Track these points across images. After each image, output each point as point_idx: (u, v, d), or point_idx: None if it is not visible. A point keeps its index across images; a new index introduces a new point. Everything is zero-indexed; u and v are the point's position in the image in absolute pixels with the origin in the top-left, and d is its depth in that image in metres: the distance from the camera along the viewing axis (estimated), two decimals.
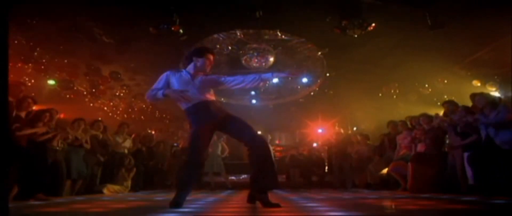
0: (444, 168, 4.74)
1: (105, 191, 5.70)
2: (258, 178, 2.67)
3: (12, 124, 3.96)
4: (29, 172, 3.97)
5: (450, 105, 5.01)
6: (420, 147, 5.09)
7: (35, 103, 4.60)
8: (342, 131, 8.43)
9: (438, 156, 4.91)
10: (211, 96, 2.91)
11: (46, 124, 4.50)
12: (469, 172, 4.07)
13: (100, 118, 7.63)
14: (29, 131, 4.20)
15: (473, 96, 4.49)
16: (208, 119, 2.77)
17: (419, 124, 5.31)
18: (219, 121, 2.82)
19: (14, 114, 4.21)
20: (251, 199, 2.82)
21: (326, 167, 8.64)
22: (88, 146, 5.49)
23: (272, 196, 2.77)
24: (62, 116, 6.86)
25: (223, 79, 3.01)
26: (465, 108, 4.55)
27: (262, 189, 2.64)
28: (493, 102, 4.14)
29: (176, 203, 2.62)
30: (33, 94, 7.03)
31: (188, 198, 2.84)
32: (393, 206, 2.89)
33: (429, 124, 5.16)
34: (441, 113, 5.89)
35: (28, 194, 3.90)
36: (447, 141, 5.37)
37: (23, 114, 4.40)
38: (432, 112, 6.33)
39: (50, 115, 4.84)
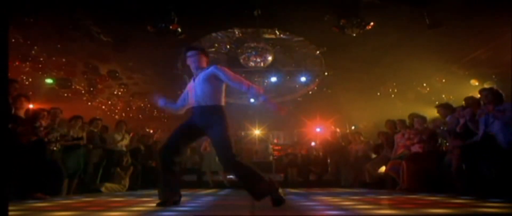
0: (440, 167, 4.76)
1: (103, 189, 5.69)
2: (250, 192, 2.63)
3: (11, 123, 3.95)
4: (28, 171, 3.96)
5: (444, 109, 5.01)
6: (415, 148, 5.11)
7: (28, 101, 4.56)
8: (338, 130, 8.46)
9: (432, 155, 4.93)
10: (210, 101, 2.74)
11: (45, 124, 4.49)
12: (464, 171, 4.10)
13: (97, 116, 7.61)
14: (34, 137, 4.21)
15: (481, 91, 4.45)
16: (191, 121, 2.81)
17: (411, 125, 5.34)
18: (199, 129, 2.78)
19: (12, 112, 4.19)
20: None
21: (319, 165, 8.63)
22: (84, 141, 5.48)
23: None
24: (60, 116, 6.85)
25: (221, 74, 2.78)
26: (464, 108, 4.55)
27: (258, 198, 2.60)
28: (499, 95, 4.10)
29: (162, 202, 2.66)
30: (30, 92, 7.01)
31: (177, 195, 2.80)
32: (389, 205, 2.90)
33: (422, 124, 5.20)
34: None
35: (26, 193, 3.89)
36: (440, 141, 5.39)
37: (21, 113, 4.37)
38: (430, 111, 6.35)
39: (53, 114, 4.84)
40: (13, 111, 4.19)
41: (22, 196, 3.77)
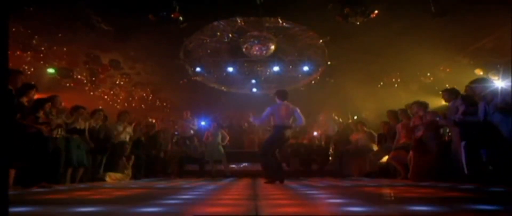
0: (444, 156, 4.76)
1: (107, 179, 5.75)
2: None
3: (15, 113, 3.96)
4: (32, 160, 3.98)
5: (450, 94, 4.96)
6: (418, 133, 5.09)
7: (37, 91, 4.57)
8: (340, 120, 8.43)
9: (436, 144, 4.92)
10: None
11: (47, 113, 4.49)
12: (464, 160, 4.11)
13: (100, 107, 7.62)
14: (40, 126, 4.22)
15: (472, 83, 4.42)
16: None
17: (415, 112, 5.33)
18: None
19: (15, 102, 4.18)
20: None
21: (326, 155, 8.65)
22: (86, 136, 5.48)
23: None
24: (62, 104, 6.85)
25: None
26: (464, 97, 4.52)
27: None
28: (493, 89, 4.09)
29: None
30: (32, 82, 6.99)
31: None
32: (392, 194, 2.91)
33: (424, 110, 5.17)
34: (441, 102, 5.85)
35: (31, 182, 3.93)
36: (442, 131, 5.38)
37: (25, 100, 4.36)
38: (434, 101, 6.31)
39: (54, 102, 4.84)
40: (18, 100, 4.19)
41: (26, 185, 3.81)
